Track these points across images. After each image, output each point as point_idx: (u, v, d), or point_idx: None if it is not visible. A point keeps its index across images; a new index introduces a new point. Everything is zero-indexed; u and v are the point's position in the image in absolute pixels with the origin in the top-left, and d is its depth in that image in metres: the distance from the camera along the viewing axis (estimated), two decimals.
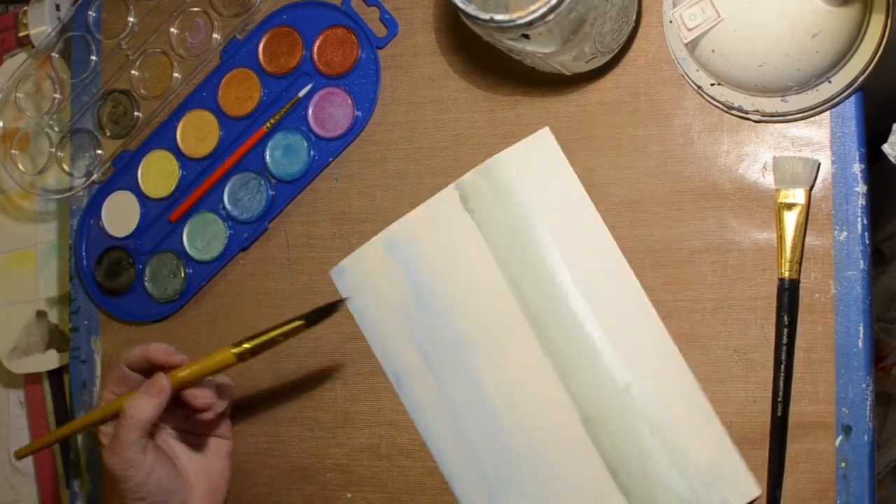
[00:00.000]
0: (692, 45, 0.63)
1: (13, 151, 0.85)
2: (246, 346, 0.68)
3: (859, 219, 0.64)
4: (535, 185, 0.70)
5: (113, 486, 0.71)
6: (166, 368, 0.69)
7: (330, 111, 0.76)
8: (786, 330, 0.64)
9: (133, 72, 0.82)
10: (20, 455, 0.76)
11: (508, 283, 0.70)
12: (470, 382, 0.71)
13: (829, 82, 0.62)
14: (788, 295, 0.64)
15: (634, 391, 0.66)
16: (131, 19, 0.83)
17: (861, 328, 0.63)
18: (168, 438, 0.73)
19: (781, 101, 0.64)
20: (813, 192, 0.65)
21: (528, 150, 0.70)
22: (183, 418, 0.73)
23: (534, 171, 0.70)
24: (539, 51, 0.61)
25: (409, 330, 0.73)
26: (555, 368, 0.68)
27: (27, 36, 0.89)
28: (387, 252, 0.73)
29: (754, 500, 0.65)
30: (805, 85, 0.62)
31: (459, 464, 0.71)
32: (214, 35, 0.80)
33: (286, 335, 0.69)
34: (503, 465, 0.70)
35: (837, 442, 0.64)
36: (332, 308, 0.69)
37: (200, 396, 0.70)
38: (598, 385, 0.67)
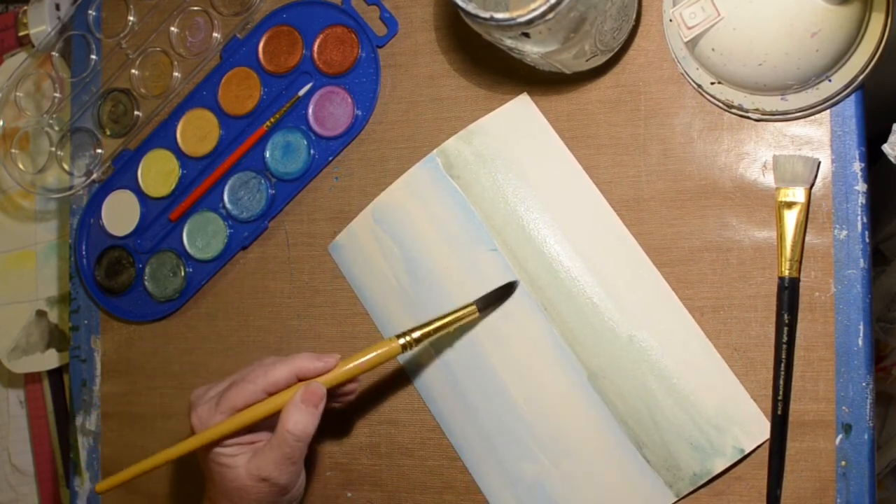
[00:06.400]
0: (692, 44, 0.63)
1: (13, 150, 0.85)
2: (415, 336, 0.67)
3: (859, 217, 0.64)
4: (518, 149, 0.70)
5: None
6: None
7: (330, 110, 0.76)
8: (786, 328, 0.64)
9: (133, 71, 0.82)
10: (101, 487, 0.70)
11: (502, 248, 0.70)
12: (470, 350, 0.71)
13: (829, 81, 0.62)
14: (788, 293, 0.64)
15: (637, 342, 0.67)
16: (131, 18, 0.83)
17: (861, 327, 0.63)
18: None
19: (781, 99, 0.64)
20: (813, 190, 0.65)
21: (509, 116, 0.70)
22: None
23: (516, 135, 0.70)
24: (539, 49, 0.61)
25: (406, 301, 0.73)
26: (556, 328, 0.68)
27: (27, 35, 0.89)
28: (377, 223, 0.73)
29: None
30: (805, 83, 0.62)
31: (467, 434, 0.71)
32: (214, 34, 0.80)
33: (458, 325, 0.68)
34: (511, 432, 0.70)
35: (837, 440, 0.64)
36: (506, 292, 0.69)
37: (350, 386, 0.69)
38: (601, 340, 0.67)
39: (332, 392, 0.67)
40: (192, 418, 0.67)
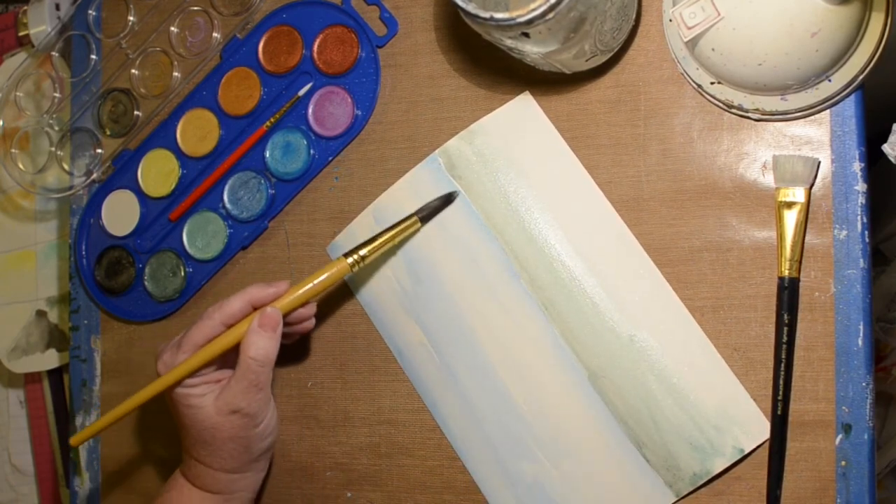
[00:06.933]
0: (692, 44, 0.63)
1: (13, 150, 0.85)
2: (361, 253, 0.69)
3: (859, 217, 0.64)
4: (520, 149, 0.70)
5: (214, 442, 0.68)
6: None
7: (330, 110, 0.76)
8: (786, 328, 0.64)
9: (133, 71, 0.82)
10: (76, 440, 0.71)
11: (504, 249, 0.70)
12: (470, 350, 0.71)
13: (829, 81, 0.62)
14: (788, 293, 0.64)
15: (637, 343, 0.67)
16: (131, 18, 0.83)
17: (861, 326, 0.63)
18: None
19: (781, 99, 0.64)
20: (813, 190, 0.65)
21: (511, 115, 0.71)
22: None
23: (518, 134, 0.70)
24: (539, 49, 0.61)
25: (406, 302, 0.73)
26: (557, 328, 0.68)
27: (27, 35, 0.89)
28: (377, 224, 0.73)
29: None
30: (805, 83, 0.62)
31: (467, 434, 0.71)
32: (214, 34, 0.80)
33: (402, 237, 0.69)
34: (511, 432, 0.70)
35: (837, 440, 0.64)
36: (446, 202, 0.71)
37: (305, 312, 0.70)
38: (602, 341, 0.67)
39: (291, 321, 0.69)
40: (159, 366, 0.69)
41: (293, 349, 0.76)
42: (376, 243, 0.70)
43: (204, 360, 0.67)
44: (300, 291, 0.68)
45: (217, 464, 0.69)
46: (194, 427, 0.68)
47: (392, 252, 0.73)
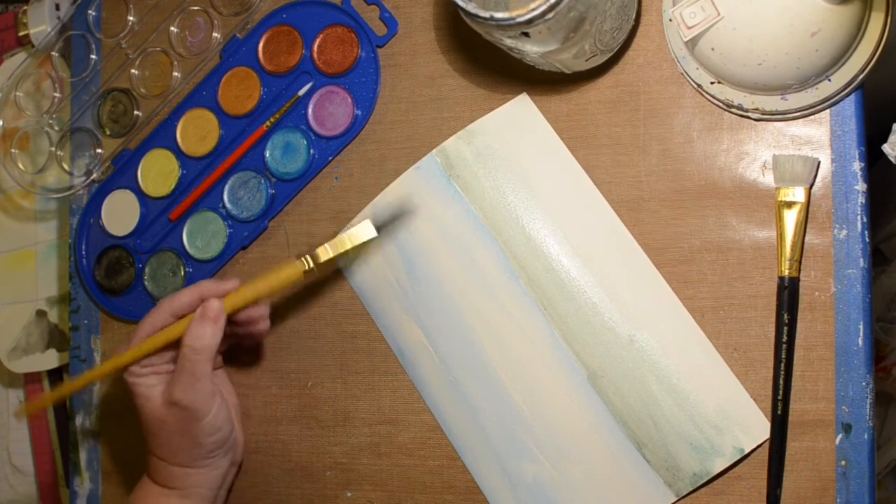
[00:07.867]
0: (692, 44, 0.63)
1: (13, 150, 0.85)
2: (320, 258, 0.68)
3: (859, 217, 0.64)
4: (518, 149, 0.70)
5: (162, 438, 0.69)
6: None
7: (330, 110, 0.76)
8: (786, 328, 0.64)
9: (133, 70, 0.82)
10: (28, 410, 0.73)
11: (502, 248, 0.70)
12: (470, 350, 0.71)
13: (829, 80, 0.62)
14: (788, 293, 0.64)
15: (637, 342, 0.67)
16: (131, 18, 0.83)
17: (861, 326, 0.63)
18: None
19: (781, 99, 0.64)
20: (813, 190, 0.65)
21: (509, 116, 0.71)
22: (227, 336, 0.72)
23: (516, 135, 0.70)
24: (539, 49, 0.61)
25: (406, 302, 0.73)
26: (556, 328, 0.68)
27: (27, 35, 0.89)
28: None
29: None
30: (805, 83, 0.62)
31: (467, 434, 0.71)
32: (214, 34, 0.80)
33: (358, 243, 0.69)
34: (511, 432, 0.70)
35: (837, 440, 0.64)
36: (401, 213, 0.71)
37: (255, 313, 0.71)
38: (601, 340, 0.67)
39: (242, 320, 0.70)
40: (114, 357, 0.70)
41: (294, 349, 0.77)
42: (331, 255, 0.69)
43: (147, 349, 0.68)
44: (249, 290, 0.68)
45: (168, 457, 0.70)
46: (145, 417, 0.69)
47: (391, 252, 0.73)
